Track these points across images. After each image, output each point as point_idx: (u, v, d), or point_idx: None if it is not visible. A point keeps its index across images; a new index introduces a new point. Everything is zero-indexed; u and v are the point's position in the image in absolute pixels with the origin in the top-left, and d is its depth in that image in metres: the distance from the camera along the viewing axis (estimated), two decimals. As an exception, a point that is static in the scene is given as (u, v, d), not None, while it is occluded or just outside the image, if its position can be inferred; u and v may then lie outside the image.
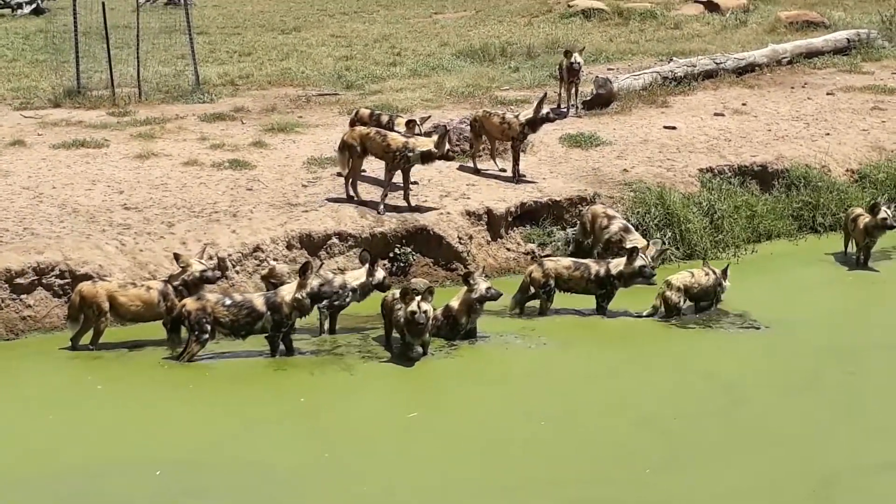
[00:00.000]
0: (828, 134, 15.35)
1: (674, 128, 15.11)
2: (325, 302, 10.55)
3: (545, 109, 13.37)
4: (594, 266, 11.46)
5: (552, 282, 11.39)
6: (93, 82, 17.78)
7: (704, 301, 11.42)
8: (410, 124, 13.18)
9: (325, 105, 17.10)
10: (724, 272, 11.41)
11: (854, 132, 15.46)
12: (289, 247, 12.16)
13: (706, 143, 14.93)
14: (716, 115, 15.93)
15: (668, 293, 11.26)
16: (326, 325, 10.91)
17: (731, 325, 11.12)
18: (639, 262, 11.27)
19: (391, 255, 12.48)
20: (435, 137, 12.59)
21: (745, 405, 9.29)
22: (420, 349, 10.31)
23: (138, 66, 17.53)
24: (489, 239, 12.93)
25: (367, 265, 10.90)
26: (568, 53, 16.05)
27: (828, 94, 17.05)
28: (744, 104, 16.47)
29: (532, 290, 11.46)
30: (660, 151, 14.56)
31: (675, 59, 18.21)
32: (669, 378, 9.88)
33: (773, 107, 16.47)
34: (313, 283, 10.31)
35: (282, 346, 10.37)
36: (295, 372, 10.13)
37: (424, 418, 9.20)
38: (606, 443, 8.65)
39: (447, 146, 12.52)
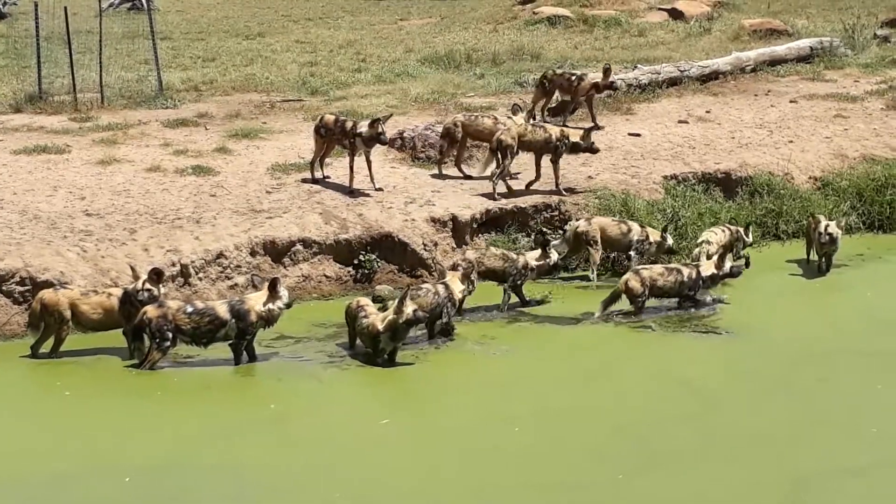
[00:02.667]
0: (791, 141, 15.43)
1: (638, 135, 15.15)
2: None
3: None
4: (686, 270, 11.67)
5: (647, 291, 11.47)
6: (55, 87, 17.63)
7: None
8: (375, 123, 13.15)
9: (290, 111, 17.03)
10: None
11: (817, 140, 15.55)
12: (252, 253, 12.09)
13: (670, 150, 14.98)
14: (680, 122, 15.99)
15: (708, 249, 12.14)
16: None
17: (694, 330, 11.15)
18: (728, 265, 11.71)
19: (356, 261, 12.44)
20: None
21: (718, 410, 9.33)
22: (386, 357, 10.28)
23: (101, 71, 17.39)
24: (454, 245, 12.90)
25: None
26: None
27: (791, 101, 17.15)
28: (708, 112, 16.53)
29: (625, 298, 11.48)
30: (624, 158, 14.59)
31: (639, 66, 18.27)
32: (641, 383, 9.91)
33: (737, 114, 16.54)
34: (284, 295, 10.30)
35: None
36: (263, 379, 10.09)
37: (396, 425, 9.18)
38: (580, 448, 8.67)
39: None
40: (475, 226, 13.08)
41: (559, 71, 16.48)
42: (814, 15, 24.96)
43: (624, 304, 11.54)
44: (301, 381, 10.00)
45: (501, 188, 13.38)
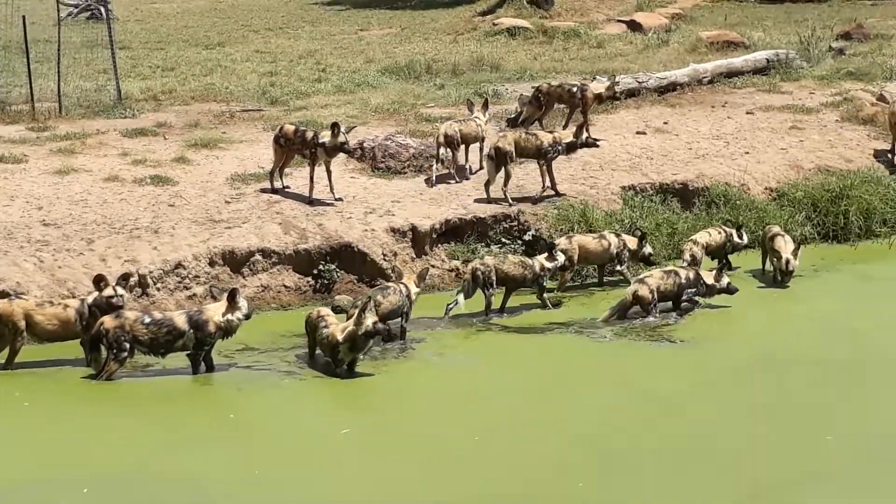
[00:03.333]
0: (747, 153, 15.58)
1: (597, 145, 15.22)
2: None
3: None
4: (682, 272, 11.95)
5: (656, 296, 11.73)
6: (12, 97, 17.50)
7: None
8: (335, 129, 13.18)
9: (250, 121, 17.00)
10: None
11: (773, 151, 15.71)
12: (211, 264, 12.06)
13: (628, 161, 15.09)
14: (638, 133, 16.10)
15: (694, 248, 12.75)
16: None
17: (651, 339, 11.24)
18: (725, 280, 12.02)
19: (315, 272, 12.43)
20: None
21: (676, 419, 9.41)
22: (345, 367, 10.28)
23: (59, 80, 17.28)
24: (414, 256, 12.94)
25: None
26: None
27: (747, 113, 17.30)
28: (665, 123, 16.67)
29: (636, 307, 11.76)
30: (583, 169, 14.68)
31: (598, 77, 18.38)
32: (600, 393, 9.99)
33: (694, 125, 16.68)
34: (243, 306, 10.29)
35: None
36: (222, 388, 10.08)
37: (357, 434, 9.19)
38: (540, 458, 8.71)
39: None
40: (435, 236, 13.12)
41: (555, 83, 16.52)
42: (770, 27, 25.20)
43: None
44: (261, 390, 9.98)
45: (498, 195, 13.59)
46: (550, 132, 14.06)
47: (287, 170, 13.94)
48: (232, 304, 10.25)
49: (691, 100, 18.17)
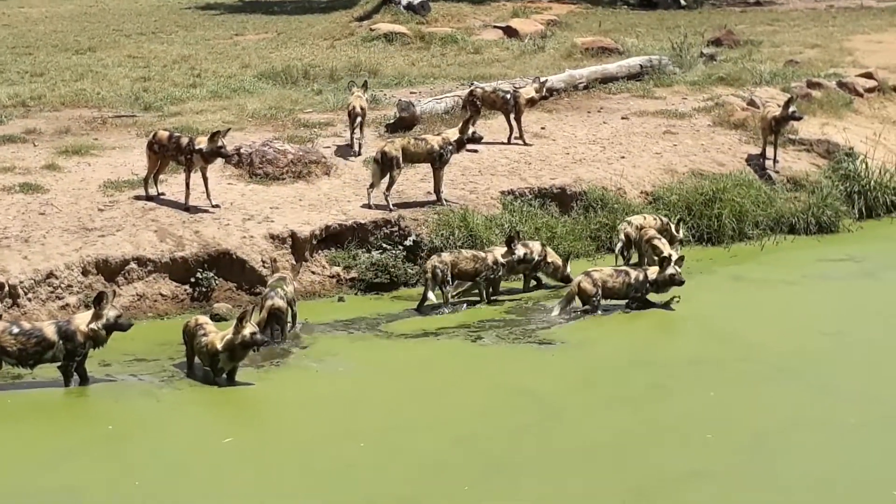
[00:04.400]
0: (623, 157, 15.79)
1: (475, 150, 15.28)
2: None
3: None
4: (633, 273, 12.18)
5: (599, 291, 11.99)
6: None
7: None
8: (214, 137, 12.99)
9: (122, 127, 16.65)
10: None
11: (647, 155, 15.95)
12: (84, 273, 11.78)
13: (507, 166, 15.17)
14: (515, 139, 16.18)
15: (627, 228, 13.25)
16: None
17: (529, 341, 11.31)
18: (670, 271, 12.09)
19: (192, 279, 12.23)
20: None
21: (558, 419, 9.50)
22: (225, 377, 10.13)
23: (-79, 85, 16.72)
24: (294, 262, 12.81)
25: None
26: None
27: (622, 118, 17.53)
28: (543, 128, 16.81)
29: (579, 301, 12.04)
30: (462, 174, 14.71)
31: (475, 83, 18.45)
32: (482, 395, 10.02)
33: (571, 130, 16.85)
34: (109, 313, 10.00)
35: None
36: (99, 399, 9.88)
37: (239, 443, 9.08)
38: (425, 461, 8.72)
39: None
40: (315, 242, 13.01)
41: (489, 89, 16.50)
42: (643, 34, 25.62)
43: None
44: (138, 400, 9.81)
45: (380, 200, 13.56)
46: (438, 134, 14.07)
47: (162, 177, 13.68)
48: (97, 312, 9.98)
49: (568, 105, 18.35)
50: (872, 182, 15.93)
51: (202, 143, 13.02)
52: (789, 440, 9.08)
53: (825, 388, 10.06)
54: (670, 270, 12.10)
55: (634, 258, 13.45)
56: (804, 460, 8.75)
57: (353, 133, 15.38)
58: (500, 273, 12.51)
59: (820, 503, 8.13)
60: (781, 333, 11.61)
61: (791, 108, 15.66)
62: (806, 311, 12.27)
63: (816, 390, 10.02)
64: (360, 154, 15.15)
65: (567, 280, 12.69)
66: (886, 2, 31.75)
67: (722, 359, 10.83)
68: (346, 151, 15.23)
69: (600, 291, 12.02)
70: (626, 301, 12.18)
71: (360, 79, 17.66)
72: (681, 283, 12.15)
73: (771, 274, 12.73)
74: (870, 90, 19.35)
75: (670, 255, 12.24)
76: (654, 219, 13.71)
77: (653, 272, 12.19)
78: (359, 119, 15.29)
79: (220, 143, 12.95)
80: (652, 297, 12.25)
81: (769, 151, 16.15)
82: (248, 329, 10.00)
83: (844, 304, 12.53)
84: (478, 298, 12.52)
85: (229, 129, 13.59)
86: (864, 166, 16.12)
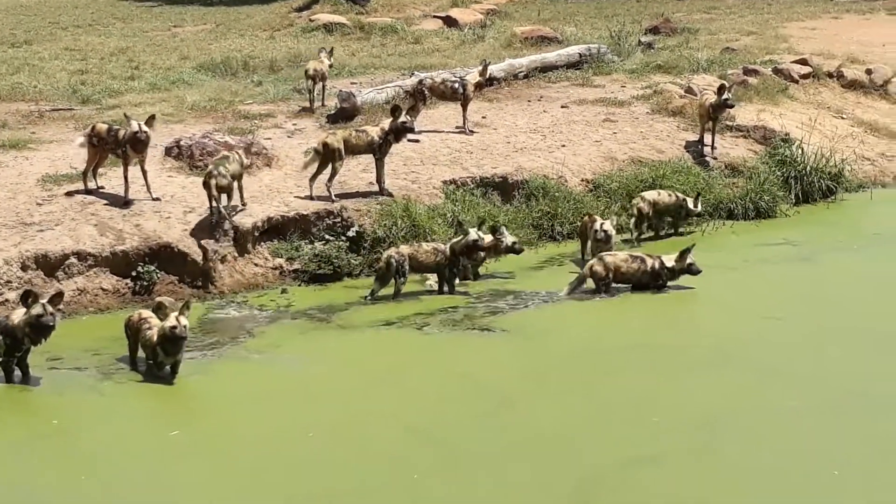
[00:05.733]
0: (563, 146, 15.89)
1: (417, 140, 15.31)
2: None
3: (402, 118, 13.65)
4: (649, 260, 12.36)
5: (611, 275, 12.23)
6: None
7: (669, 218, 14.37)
8: (150, 120, 12.90)
9: (60, 120, 16.48)
10: None
11: (588, 143, 16.07)
12: (24, 268, 11.67)
13: (449, 155, 15.21)
14: (457, 128, 16.24)
15: (641, 205, 13.96)
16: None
17: (470, 328, 11.37)
18: (689, 261, 12.35)
19: (134, 273, 12.15)
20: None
21: (508, 408, 9.54)
22: (169, 369, 10.08)
23: None
24: (236, 255, 12.76)
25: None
26: None
27: (562, 107, 17.63)
28: (484, 117, 16.86)
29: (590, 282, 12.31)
30: (404, 164, 14.73)
31: (416, 73, 18.47)
32: (432, 385, 10.06)
33: (512, 119, 16.92)
34: (35, 310, 9.87)
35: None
36: (42, 393, 9.81)
37: (186, 436, 9.05)
38: (375, 452, 8.73)
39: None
40: (257, 234, 12.98)
41: (438, 80, 16.51)
42: (582, 23, 25.78)
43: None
44: (83, 394, 9.75)
45: (321, 191, 13.54)
46: (377, 125, 14.07)
47: (101, 170, 13.56)
48: (27, 308, 9.82)
49: (508, 94, 18.42)
50: (808, 167, 16.16)
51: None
52: (734, 424, 9.20)
53: (768, 371, 10.20)
54: (689, 260, 12.32)
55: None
56: (749, 443, 8.85)
57: (310, 93, 16.86)
58: (456, 264, 12.47)
59: (765, 485, 8.24)
60: (724, 318, 11.77)
61: (725, 95, 15.82)
62: (747, 296, 12.41)
63: (760, 374, 10.15)
64: (324, 105, 16.92)
65: (512, 249, 12.68)
66: (820, -11, 32.18)
67: (667, 344, 10.94)
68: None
69: (612, 275, 12.25)
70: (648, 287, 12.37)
71: (327, 45, 19.19)
72: (697, 272, 12.33)
73: (712, 259, 12.88)
74: (805, 76, 19.63)
75: (691, 246, 12.48)
76: (669, 195, 14.30)
77: (669, 260, 12.39)
78: (314, 82, 16.87)
79: (135, 128, 12.72)
80: None
81: (707, 138, 16.33)
82: (169, 322, 9.92)
83: (784, 289, 12.69)
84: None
85: (153, 116, 13.30)
86: (800, 152, 16.35)
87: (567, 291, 12.26)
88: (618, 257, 12.44)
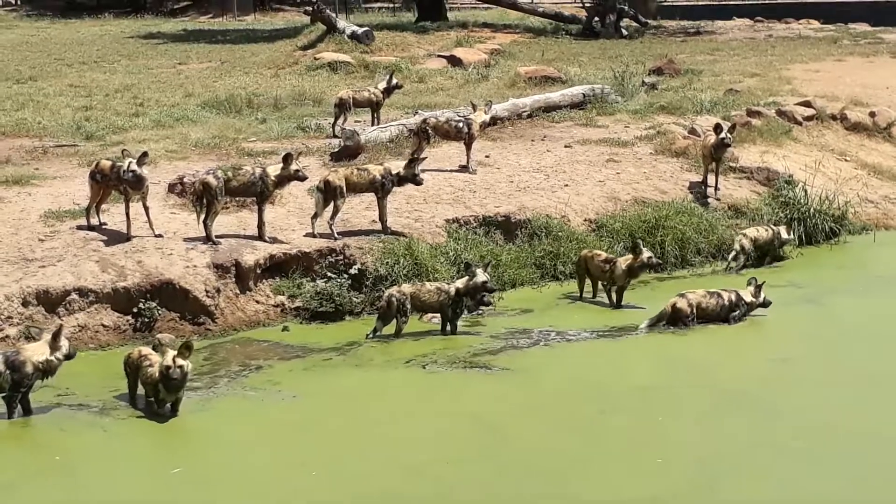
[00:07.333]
0: (566, 185, 15.89)
1: (421, 183, 15.27)
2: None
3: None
4: (725, 294, 12.71)
5: (694, 311, 12.50)
6: None
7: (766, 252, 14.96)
8: (142, 157, 12.88)
9: (64, 156, 16.49)
10: None
11: (591, 183, 16.06)
12: (25, 304, 11.65)
13: (452, 194, 15.20)
14: (461, 166, 16.24)
15: (743, 242, 14.67)
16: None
17: (470, 367, 11.30)
18: (762, 296, 12.81)
19: (135, 310, 12.12)
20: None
21: (509, 445, 9.50)
22: (169, 406, 10.03)
23: None
24: (238, 292, 12.74)
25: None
26: None
27: (566, 146, 17.63)
28: (487, 156, 16.86)
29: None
30: (407, 202, 14.72)
31: (420, 111, 18.50)
32: (434, 422, 10.01)
33: (515, 159, 16.92)
34: (65, 344, 9.95)
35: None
36: (44, 429, 9.80)
37: (189, 473, 9.00)
38: (378, 491, 8.68)
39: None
40: (259, 271, 12.95)
41: (442, 119, 16.48)
42: (585, 63, 25.85)
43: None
44: (85, 431, 9.71)
45: (324, 229, 13.51)
46: (381, 164, 14.10)
47: (105, 207, 13.55)
48: (54, 343, 9.92)
49: (512, 133, 18.45)
50: (812, 209, 16.15)
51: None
52: (736, 465, 9.12)
53: (772, 413, 10.13)
54: (762, 296, 12.74)
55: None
56: (751, 485, 8.78)
57: (335, 120, 17.86)
58: (460, 305, 12.34)
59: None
60: (729, 359, 11.72)
61: (722, 135, 15.77)
62: (752, 337, 12.39)
63: (764, 416, 10.08)
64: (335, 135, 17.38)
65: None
66: (824, 31, 32.33)
67: (670, 385, 10.88)
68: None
69: (695, 312, 12.42)
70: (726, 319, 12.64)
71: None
72: (769, 304, 12.74)
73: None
74: (808, 118, 19.63)
75: (763, 283, 12.87)
76: (766, 230, 15.01)
77: (746, 294, 12.68)
78: (341, 110, 17.82)
79: (124, 167, 12.68)
80: None
81: (710, 179, 16.32)
82: (165, 362, 9.88)
83: (789, 330, 12.66)
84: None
85: (145, 153, 13.29)
86: (803, 193, 16.34)
87: (646, 325, 12.43)
88: (697, 294, 12.66)
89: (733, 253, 14.70)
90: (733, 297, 12.69)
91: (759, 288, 12.79)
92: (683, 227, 14.98)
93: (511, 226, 14.65)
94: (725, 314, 12.62)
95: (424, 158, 14.30)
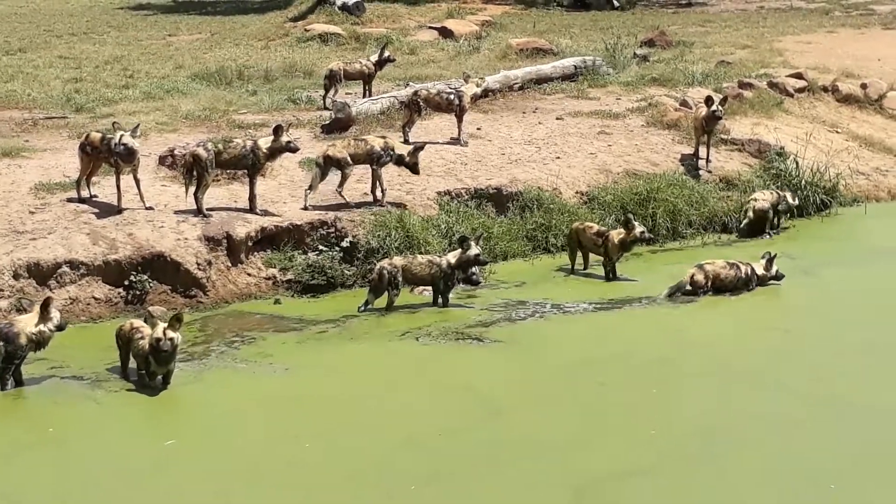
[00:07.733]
0: (558, 158, 15.87)
1: (417, 172, 15.25)
2: None
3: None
4: (743, 267, 12.86)
5: (710, 283, 12.65)
6: None
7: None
8: (134, 130, 12.85)
9: (54, 129, 16.43)
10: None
11: (582, 156, 16.04)
12: (16, 276, 11.62)
13: (443, 166, 15.18)
14: (452, 139, 16.21)
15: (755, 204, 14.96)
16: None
17: (461, 339, 11.32)
18: (775, 268, 12.97)
19: (126, 282, 12.10)
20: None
21: (503, 418, 9.53)
22: (161, 379, 10.03)
23: None
24: (229, 264, 12.73)
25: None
26: None
27: (557, 119, 17.61)
28: (478, 129, 16.83)
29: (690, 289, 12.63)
30: (398, 175, 14.67)
31: (411, 83, 18.45)
32: (426, 395, 10.04)
33: (507, 131, 16.89)
34: (56, 315, 9.98)
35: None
36: (37, 401, 9.82)
37: (183, 446, 9.03)
38: (371, 462, 8.72)
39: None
40: (250, 244, 12.94)
41: (433, 91, 16.41)
42: (577, 35, 25.77)
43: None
44: (78, 403, 9.73)
45: (316, 202, 13.51)
46: (382, 137, 14.08)
47: (95, 179, 13.51)
48: (44, 315, 9.92)
49: (503, 106, 18.41)
50: (803, 181, 16.17)
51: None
52: (734, 436, 9.16)
53: (770, 384, 10.18)
54: (774, 269, 12.90)
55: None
56: (748, 456, 8.80)
57: (326, 92, 17.90)
58: (453, 278, 12.35)
59: (763, 499, 8.21)
60: (725, 330, 11.79)
61: (713, 107, 15.77)
62: (748, 309, 12.44)
63: (761, 386, 10.13)
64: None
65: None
66: (815, 3, 32.25)
67: (665, 355, 10.91)
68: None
69: (710, 283, 12.58)
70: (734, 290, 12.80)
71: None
72: (781, 277, 12.93)
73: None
74: (800, 90, 19.63)
75: (774, 255, 13.02)
76: (770, 193, 15.30)
77: (759, 267, 12.86)
78: (332, 82, 17.81)
79: (116, 139, 12.64)
80: None
81: (702, 151, 16.32)
82: (155, 334, 9.88)
83: (786, 302, 12.73)
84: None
85: (138, 126, 13.26)
86: (794, 165, 16.36)
87: (666, 294, 12.54)
88: (716, 265, 12.76)
89: (745, 220, 15.06)
90: (749, 270, 12.84)
91: (770, 261, 12.92)
92: (675, 200, 15.00)
93: (502, 198, 14.63)
94: (742, 286, 12.77)
95: (412, 124, 14.25)
